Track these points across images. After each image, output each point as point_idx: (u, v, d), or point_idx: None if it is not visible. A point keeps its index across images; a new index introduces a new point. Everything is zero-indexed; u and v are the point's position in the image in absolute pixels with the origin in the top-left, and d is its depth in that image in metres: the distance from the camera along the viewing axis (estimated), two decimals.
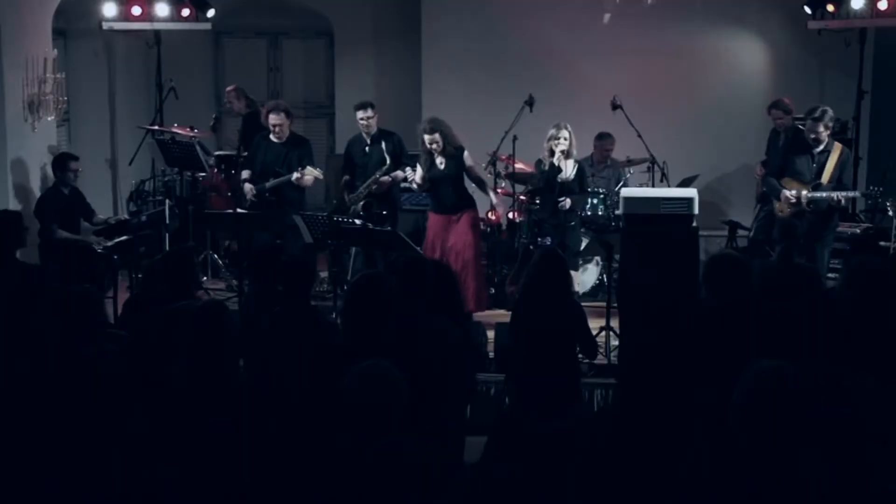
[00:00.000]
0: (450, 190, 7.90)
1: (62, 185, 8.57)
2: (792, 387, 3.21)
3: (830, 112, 7.79)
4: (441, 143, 7.79)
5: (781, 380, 3.21)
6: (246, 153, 9.08)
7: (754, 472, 3.12)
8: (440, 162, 7.87)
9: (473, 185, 8.06)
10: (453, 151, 7.85)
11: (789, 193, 7.77)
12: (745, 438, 3.19)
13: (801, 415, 3.18)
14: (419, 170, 7.95)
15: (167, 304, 5.07)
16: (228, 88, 10.35)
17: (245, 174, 8.76)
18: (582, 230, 8.56)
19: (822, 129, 7.68)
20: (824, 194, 7.65)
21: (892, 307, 4.78)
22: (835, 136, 9.67)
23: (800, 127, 8.48)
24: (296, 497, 3.73)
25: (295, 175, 8.38)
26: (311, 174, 8.44)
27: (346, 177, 8.72)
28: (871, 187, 7.91)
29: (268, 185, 8.53)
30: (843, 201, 7.67)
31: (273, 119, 8.54)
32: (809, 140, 7.77)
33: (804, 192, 7.71)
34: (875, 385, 3.63)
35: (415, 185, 8.09)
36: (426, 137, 7.79)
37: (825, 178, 7.70)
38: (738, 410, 3.22)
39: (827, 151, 7.76)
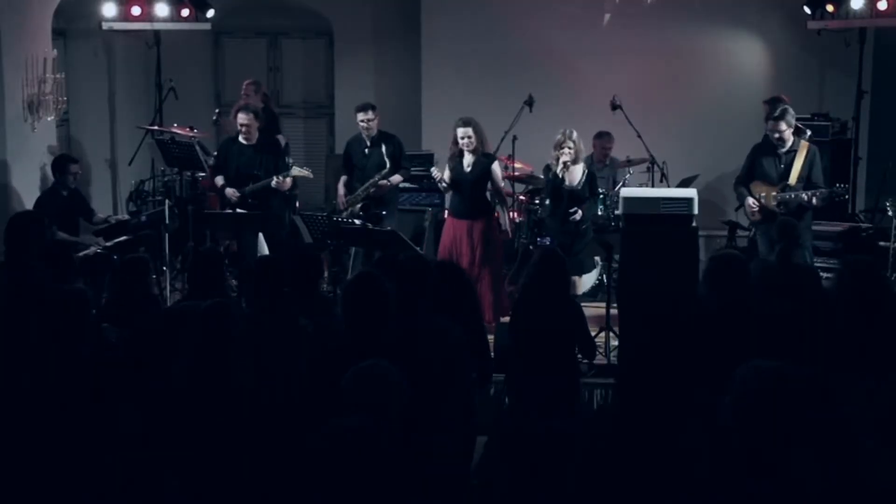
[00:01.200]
0: (470, 194, 7.83)
1: (61, 187, 8.55)
2: (788, 387, 3.20)
3: (791, 111, 7.72)
4: (473, 141, 7.74)
5: (778, 380, 3.21)
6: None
7: (752, 472, 3.12)
8: (467, 164, 7.82)
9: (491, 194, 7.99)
10: (482, 157, 7.81)
11: (751, 201, 7.72)
12: (741, 438, 3.18)
13: (798, 415, 3.17)
14: (446, 170, 7.89)
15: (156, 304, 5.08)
16: (247, 82, 10.28)
17: (220, 180, 8.62)
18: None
19: (784, 127, 7.59)
20: (793, 195, 7.57)
21: (882, 306, 4.76)
22: (834, 135, 9.72)
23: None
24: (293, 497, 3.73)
25: (275, 180, 8.31)
26: (297, 174, 8.40)
27: (345, 177, 8.67)
28: (838, 185, 7.77)
29: (248, 189, 8.45)
30: (814, 200, 7.51)
31: (241, 118, 8.43)
32: (773, 140, 7.69)
33: (773, 194, 7.66)
34: (869, 385, 3.63)
35: (443, 185, 7.97)
36: (459, 130, 7.75)
37: (793, 178, 7.59)
38: (734, 410, 3.21)
39: (793, 151, 7.66)
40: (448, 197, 8.38)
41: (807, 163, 7.62)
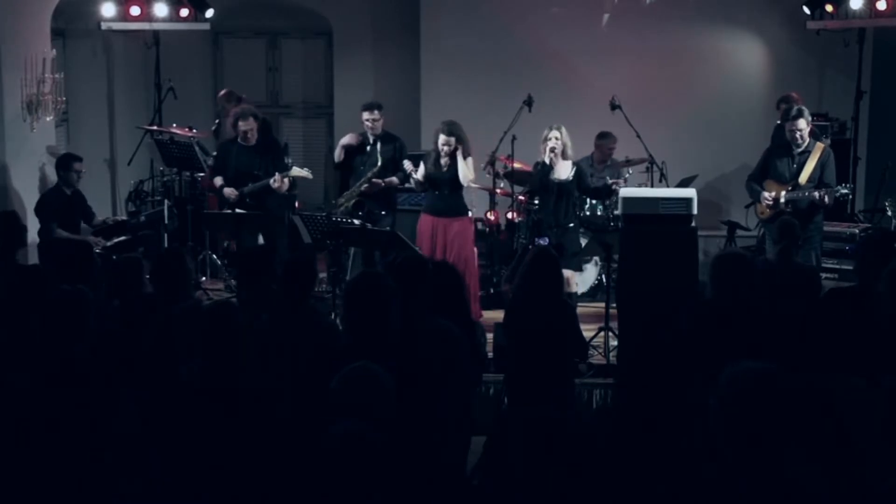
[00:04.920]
0: (447, 192, 7.89)
1: (65, 186, 8.55)
2: (774, 388, 3.19)
3: (807, 111, 7.84)
4: (452, 147, 7.79)
5: (763, 381, 3.19)
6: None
7: (742, 473, 3.11)
8: (444, 163, 7.87)
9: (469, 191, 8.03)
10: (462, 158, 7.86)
11: (767, 195, 7.78)
12: (727, 439, 3.18)
13: (787, 416, 3.16)
14: (421, 167, 7.94)
15: (162, 305, 5.06)
16: (220, 93, 10.30)
17: (218, 181, 8.62)
18: (581, 230, 8.54)
19: (803, 125, 7.69)
20: (802, 193, 7.63)
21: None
22: (834, 136, 9.73)
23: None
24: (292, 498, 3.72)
25: (274, 182, 8.32)
26: (297, 175, 8.41)
27: (342, 146, 8.59)
28: (844, 184, 7.79)
29: (246, 189, 8.46)
30: (826, 199, 7.60)
31: (242, 126, 8.44)
32: (792, 139, 7.76)
33: (783, 193, 7.70)
34: (870, 385, 3.62)
35: (413, 182, 8.06)
36: (441, 137, 7.80)
37: (803, 177, 7.69)
38: (719, 411, 3.20)
39: (808, 152, 7.75)
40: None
41: (819, 164, 7.71)
